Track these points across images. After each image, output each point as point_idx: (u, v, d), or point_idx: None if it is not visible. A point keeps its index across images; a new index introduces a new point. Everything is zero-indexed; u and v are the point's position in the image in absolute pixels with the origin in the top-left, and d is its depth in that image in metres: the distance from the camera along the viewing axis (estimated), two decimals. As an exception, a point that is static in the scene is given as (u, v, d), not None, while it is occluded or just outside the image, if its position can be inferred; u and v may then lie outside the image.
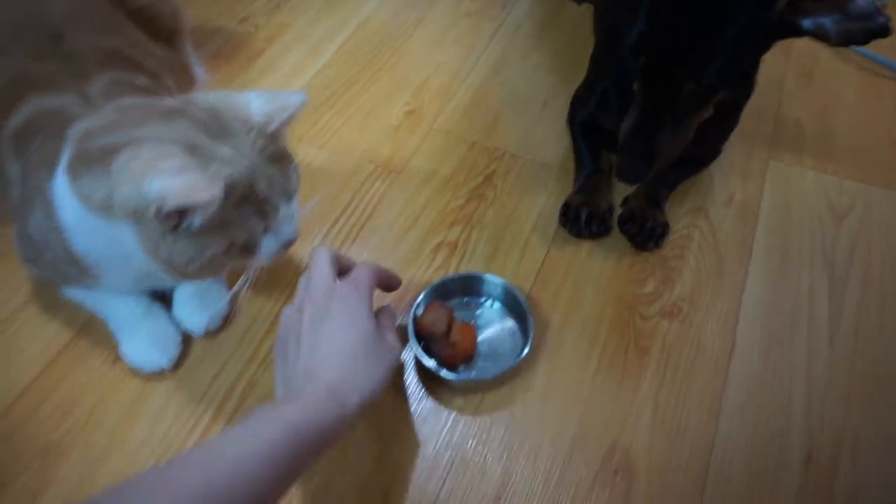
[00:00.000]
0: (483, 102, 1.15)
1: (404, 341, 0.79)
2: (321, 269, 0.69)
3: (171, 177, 0.58)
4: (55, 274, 0.80)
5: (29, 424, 0.76)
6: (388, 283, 0.77)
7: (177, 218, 0.59)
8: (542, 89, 1.17)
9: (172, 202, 0.56)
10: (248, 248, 0.67)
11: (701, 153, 0.97)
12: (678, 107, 0.76)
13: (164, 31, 0.98)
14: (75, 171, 0.65)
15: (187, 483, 0.50)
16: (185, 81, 1.00)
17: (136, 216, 0.61)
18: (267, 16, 1.33)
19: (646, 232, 0.89)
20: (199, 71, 1.10)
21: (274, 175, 0.66)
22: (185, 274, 0.66)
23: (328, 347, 0.63)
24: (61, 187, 0.67)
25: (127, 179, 0.60)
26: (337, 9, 1.34)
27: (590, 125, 0.99)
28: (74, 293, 0.83)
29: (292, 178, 0.70)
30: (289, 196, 0.68)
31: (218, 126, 0.65)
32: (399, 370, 0.80)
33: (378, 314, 0.71)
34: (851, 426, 0.76)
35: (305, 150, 1.06)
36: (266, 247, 0.68)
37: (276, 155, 0.67)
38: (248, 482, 0.51)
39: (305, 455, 0.56)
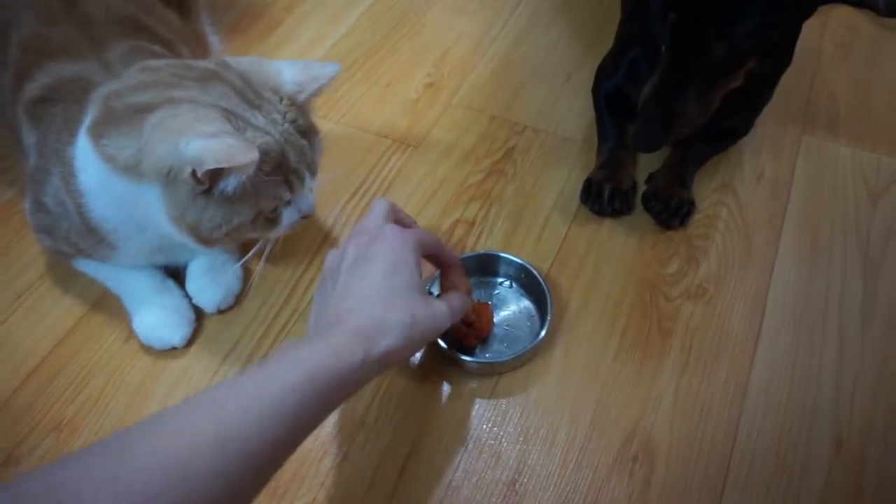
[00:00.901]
0: (504, 74, 1.12)
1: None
2: (374, 213, 0.67)
3: (210, 139, 0.57)
4: (69, 245, 0.79)
5: (42, 399, 0.76)
6: (439, 255, 0.72)
7: (210, 181, 0.59)
8: (566, 61, 1.13)
9: (211, 163, 0.56)
10: (272, 219, 0.68)
11: (731, 127, 0.93)
12: (705, 72, 0.72)
13: (177, 1, 0.96)
14: (100, 131, 0.64)
15: (197, 426, 0.46)
16: (200, 51, 0.98)
17: (168, 177, 0.60)
18: (285, -16, 1.30)
19: (671, 210, 0.85)
20: (214, 40, 1.08)
21: (303, 148, 0.66)
22: (208, 240, 0.65)
23: (363, 289, 0.59)
24: (83, 150, 0.66)
25: (162, 138, 0.59)
26: (357, -24, 1.31)
27: (615, 98, 0.95)
28: (87, 266, 0.82)
29: (317, 151, 0.70)
30: (314, 171, 0.69)
31: (252, 93, 0.65)
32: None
33: (445, 284, 0.70)
34: (882, 412, 0.73)
35: (322, 123, 1.02)
36: (287, 218, 0.69)
37: (305, 127, 0.68)
38: (262, 427, 0.47)
39: (324, 401, 0.52)
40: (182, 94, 0.63)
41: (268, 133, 0.63)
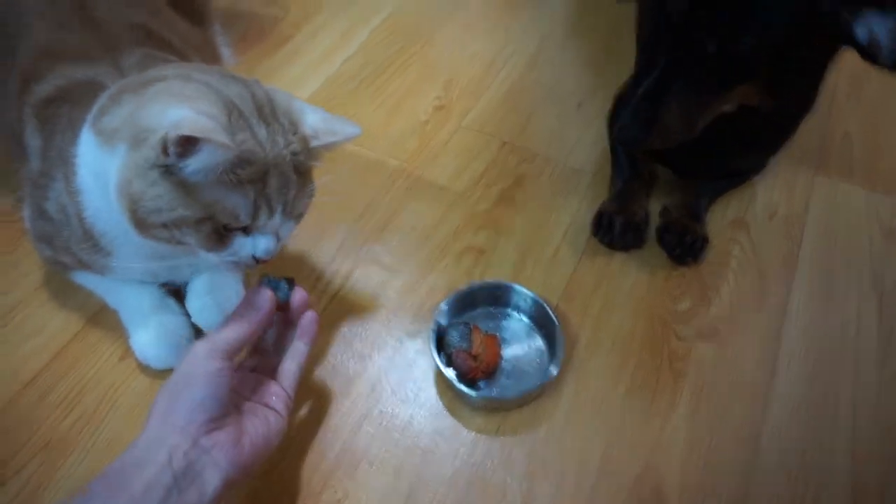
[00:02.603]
0: (516, 99, 1.10)
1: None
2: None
3: (199, 114, 0.55)
4: (68, 256, 0.76)
5: (33, 416, 0.73)
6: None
7: (178, 153, 0.55)
8: (579, 88, 1.12)
9: (186, 129, 0.53)
10: (220, 238, 0.62)
11: (747, 164, 0.92)
12: (697, 80, 0.71)
13: (191, 9, 0.95)
14: (103, 110, 0.62)
15: None
16: (212, 62, 0.97)
17: (137, 138, 0.57)
18: (297, -1, 1.29)
19: (685, 245, 0.84)
20: (226, 52, 1.07)
21: (289, 182, 0.62)
22: (142, 224, 0.60)
23: None
24: (83, 143, 0.64)
25: (157, 99, 0.58)
26: (370, -7, 1.30)
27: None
28: (86, 279, 0.80)
29: (304, 199, 0.65)
30: (289, 213, 0.64)
31: (268, 111, 0.62)
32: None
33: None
34: (899, 459, 0.72)
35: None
36: (238, 247, 0.63)
37: (303, 169, 0.64)
38: None
39: None
40: (199, 76, 0.62)
41: (261, 146, 0.59)
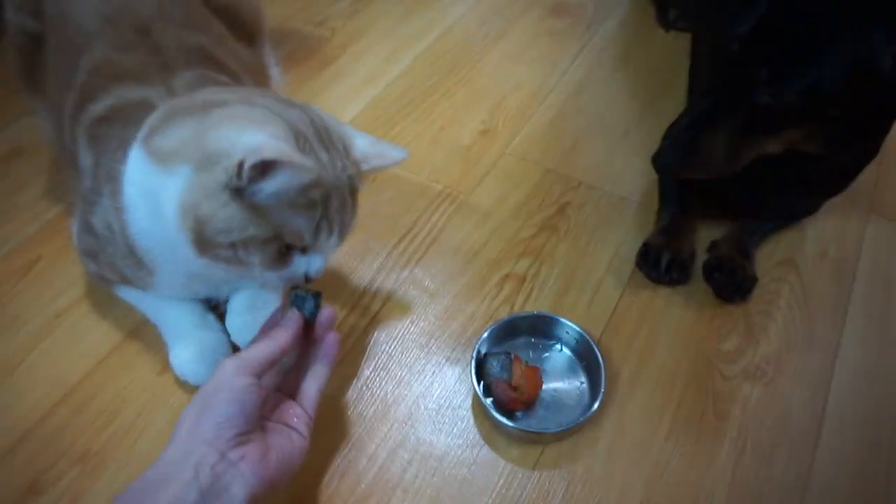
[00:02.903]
0: (561, 127, 1.10)
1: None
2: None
3: (272, 137, 0.58)
4: (112, 271, 0.77)
5: (70, 428, 0.73)
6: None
7: (253, 177, 0.56)
8: (625, 117, 1.11)
9: (268, 153, 0.55)
10: (282, 257, 0.64)
11: (800, 206, 0.90)
12: (742, 119, 0.71)
13: (245, 30, 0.97)
14: (155, 129, 0.64)
15: None
16: (263, 83, 0.98)
17: (209, 160, 0.58)
18: (344, 20, 1.31)
19: (735, 283, 0.82)
20: (275, 72, 1.08)
21: (346, 203, 0.65)
22: (206, 244, 0.61)
23: None
24: (132, 161, 0.65)
25: (228, 123, 0.60)
26: (416, 17, 1.31)
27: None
28: (129, 295, 0.81)
29: (354, 220, 0.68)
30: (343, 233, 0.67)
31: (326, 135, 0.65)
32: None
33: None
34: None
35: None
36: (296, 266, 0.66)
37: (355, 190, 0.67)
38: None
39: None
40: (261, 101, 0.64)
41: (325, 169, 0.62)
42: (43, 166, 1.01)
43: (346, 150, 0.66)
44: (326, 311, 0.70)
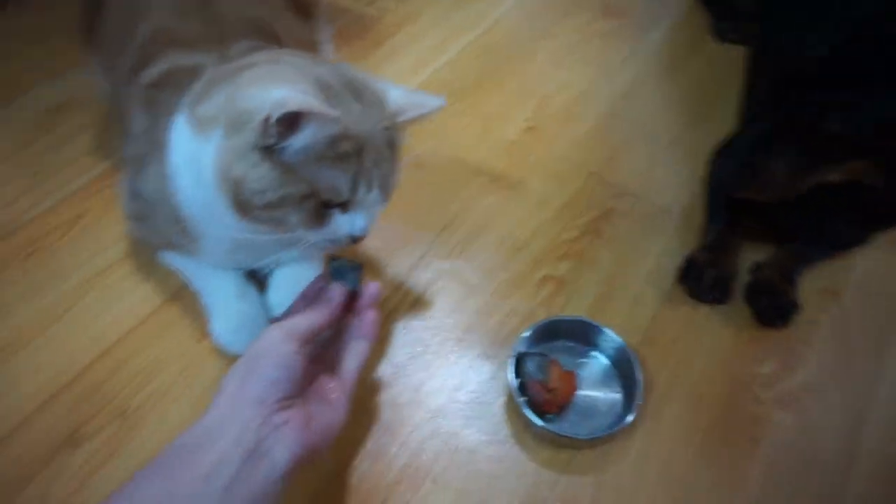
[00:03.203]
0: (606, 131, 1.09)
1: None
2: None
3: (297, 92, 0.56)
4: (158, 236, 0.78)
5: (109, 385, 0.74)
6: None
7: (280, 135, 0.56)
8: (670, 126, 1.11)
9: (293, 105, 0.54)
10: (320, 214, 0.63)
11: (852, 237, 0.88)
12: (807, 143, 0.70)
13: (302, 6, 0.96)
14: (197, 97, 0.64)
15: None
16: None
17: (237, 122, 0.58)
18: (396, 1, 1.30)
19: (777, 308, 0.82)
20: (328, 48, 1.08)
21: (383, 157, 0.63)
22: (245, 206, 0.61)
23: None
24: (177, 127, 0.66)
25: (254, 83, 0.59)
26: (467, 6, 1.30)
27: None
28: (174, 260, 0.81)
29: (395, 176, 0.67)
30: (383, 187, 0.65)
31: (356, 88, 0.63)
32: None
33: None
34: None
35: (419, 148, 1.02)
36: (337, 224, 0.64)
37: (393, 144, 0.65)
38: None
39: None
40: (287, 59, 0.63)
41: (356, 121, 0.60)
42: (91, 121, 1.01)
43: (381, 103, 0.65)
44: (372, 286, 0.70)
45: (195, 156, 0.63)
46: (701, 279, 0.84)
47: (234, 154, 0.59)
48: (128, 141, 0.80)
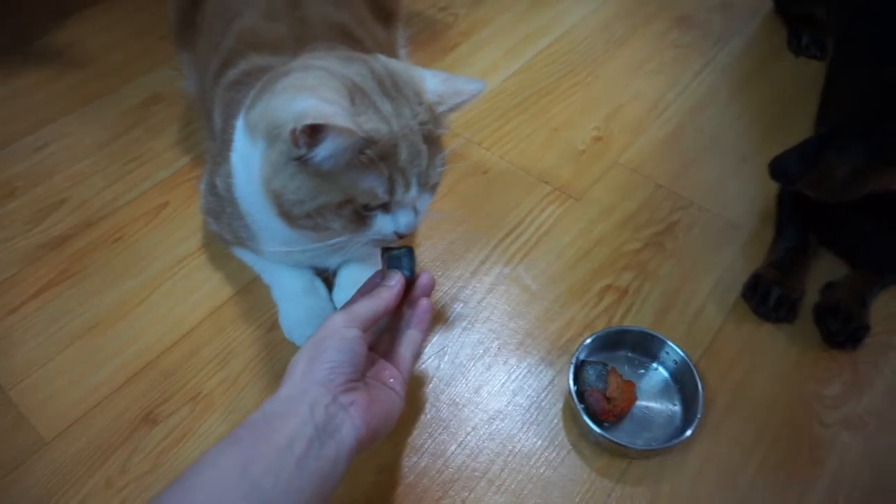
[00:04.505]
0: (676, 143, 1.08)
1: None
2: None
3: (322, 101, 0.57)
4: (229, 232, 0.81)
5: (184, 369, 0.78)
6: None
7: (307, 145, 0.57)
8: (742, 142, 1.09)
9: (310, 118, 0.54)
10: (361, 218, 0.64)
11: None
12: (877, 146, 0.69)
13: (384, 10, 0.99)
14: (253, 103, 0.65)
15: None
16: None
17: (273, 133, 0.59)
18: (468, 7, 1.32)
19: (848, 331, 0.80)
20: (402, 53, 1.10)
21: (420, 152, 0.62)
22: (289, 216, 0.63)
23: None
24: (237, 128, 0.68)
25: (283, 94, 0.60)
26: (541, 12, 1.31)
27: (805, 195, 0.90)
28: (245, 255, 0.85)
29: (437, 168, 0.65)
30: (425, 183, 0.64)
31: (390, 84, 0.63)
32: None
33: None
34: None
35: (484, 155, 1.04)
36: (379, 225, 0.65)
37: (431, 137, 0.64)
38: None
39: None
40: (319, 63, 0.63)
41: (387, 121, 0.60)
42: (178, 115, 1.07)
43: (418, 95, 0.63)
44: (426, 276, 0.71)
45: (249, 159, 0.65)
46: (767, 297, 0.83)
47: (273, 166, 0.61)
48: (210, 138, 0.84)
